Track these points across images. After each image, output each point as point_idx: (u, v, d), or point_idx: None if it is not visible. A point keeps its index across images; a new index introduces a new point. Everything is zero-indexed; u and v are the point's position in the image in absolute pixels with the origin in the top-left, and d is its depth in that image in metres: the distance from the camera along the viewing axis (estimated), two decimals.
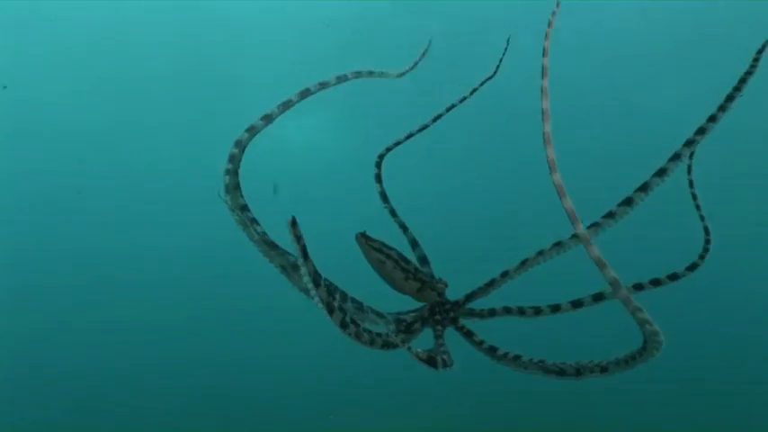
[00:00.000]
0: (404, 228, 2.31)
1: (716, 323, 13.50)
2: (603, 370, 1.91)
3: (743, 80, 1.77)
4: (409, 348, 1.80)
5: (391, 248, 2.03)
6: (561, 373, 2.02)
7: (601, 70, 12.82)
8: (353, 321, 1.68)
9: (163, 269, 14.82)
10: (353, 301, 2.07)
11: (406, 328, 2.09)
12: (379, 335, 1.80)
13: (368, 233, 2.03)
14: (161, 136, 14.25)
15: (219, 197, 1.97)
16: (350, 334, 1.68)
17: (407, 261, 2.05)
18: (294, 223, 1.47)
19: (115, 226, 14.73)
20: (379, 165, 2.37)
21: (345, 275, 2.13)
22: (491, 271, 1.99)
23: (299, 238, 1.48)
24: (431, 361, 1.83)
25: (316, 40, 12.38)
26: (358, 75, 2.01)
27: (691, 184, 2.18)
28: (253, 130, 1.89)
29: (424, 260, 2.23)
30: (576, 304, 1.94)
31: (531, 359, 2.01)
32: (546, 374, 2.03)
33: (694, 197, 2.17)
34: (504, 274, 1.98)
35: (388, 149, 2.38)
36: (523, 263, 1.97)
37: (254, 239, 2.00)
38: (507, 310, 2.00)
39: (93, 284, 14.74)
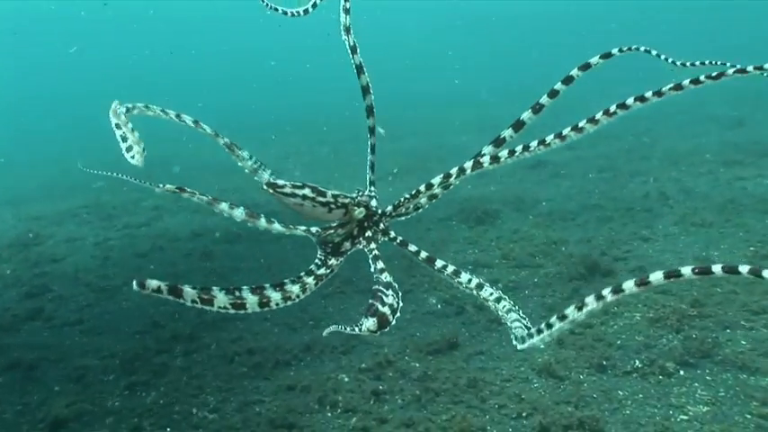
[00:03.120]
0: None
1: None
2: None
3: None
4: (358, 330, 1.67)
5: (302, 186, 1.88)
6: (498, 300, 2.02)
7: None
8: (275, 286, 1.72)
9: None
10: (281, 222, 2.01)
11: (333, 249, 2.04)
12: (298, 279, 1.83)
13: (273, 180, 1.91)
14: None
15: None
16: (276, 304, 1.72)
17: (322, 192, 1.91)
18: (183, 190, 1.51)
19: None
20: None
21: None
22: None
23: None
24: (382, 322, 1.70)
25: None
26: None
27: None
28: None
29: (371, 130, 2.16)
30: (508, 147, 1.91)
31: (470, 278, 2.01)
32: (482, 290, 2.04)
33: None
34: (429, 186, 1.96)
35: None
36: (446, 176, 1.98)
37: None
38: (429, 186, 1.92)
39: None
